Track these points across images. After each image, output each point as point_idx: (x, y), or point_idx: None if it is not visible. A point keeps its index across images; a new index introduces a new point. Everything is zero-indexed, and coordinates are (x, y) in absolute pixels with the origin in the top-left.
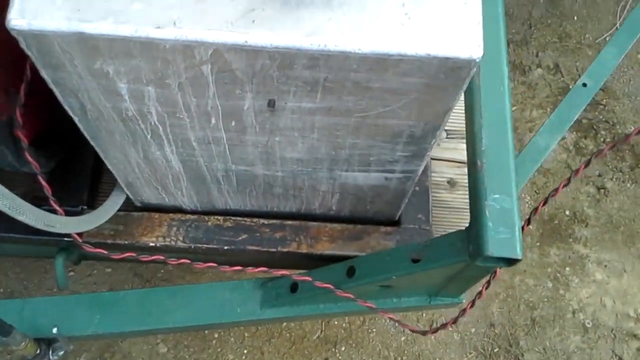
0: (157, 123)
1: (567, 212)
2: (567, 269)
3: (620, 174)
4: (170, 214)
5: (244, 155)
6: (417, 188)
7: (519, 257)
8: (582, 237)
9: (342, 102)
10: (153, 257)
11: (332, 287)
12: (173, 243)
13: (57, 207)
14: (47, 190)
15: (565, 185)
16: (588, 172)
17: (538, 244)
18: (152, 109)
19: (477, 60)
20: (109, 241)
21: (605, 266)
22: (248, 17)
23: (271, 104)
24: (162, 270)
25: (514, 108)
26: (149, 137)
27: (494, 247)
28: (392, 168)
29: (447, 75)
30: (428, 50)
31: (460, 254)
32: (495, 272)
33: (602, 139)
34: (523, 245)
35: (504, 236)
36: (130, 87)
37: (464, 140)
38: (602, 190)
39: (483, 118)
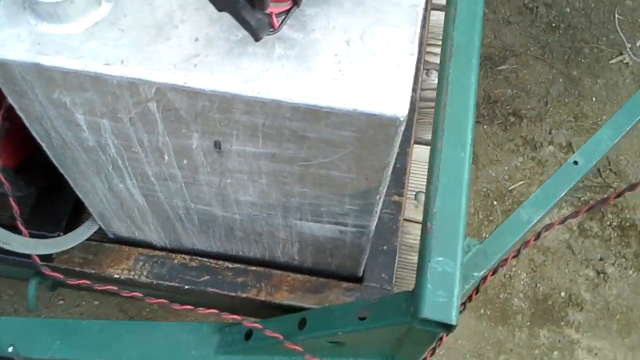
0: (115, 155)
1: (563, 294)
2: (556, 352)
3: (624, 259)
4: (140, 249)
5: (201, 194)
6: (385, 247)
7: (453, 323)
8: (575, 322)
9: (284, 150)
10: (106, 287)
11: (281, 337)
12: (137, 277)
13: (22, 228)
14: (16, 211)
15: (515, 257)
16: (589, 254)
17: (528, 323)
18: (109, 141)
19: (402, 118)
20: (77, 268)
21: (596, 354)
22: (191, 62)
23: (217, 145)
24: (148, 309)
25: (520, 183)
26: (110, 168)
27: (430, 310)
28: (345, 221)
29: (376, 131)
30: (355, 106)
31: (402, 315)
32: (442, 338)
33: (608, 223)
34: (512, 324)
35: (441, 300)
36: (87, 119)
37: None
38: (602, 275)
39: (439, 181)
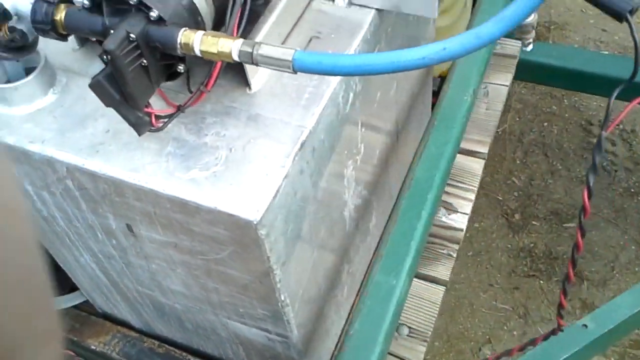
0: (65, 228)
1: None
2: None
3: None
4: (119, 327)
5: (140, 277)
6: None
7: None
8: None
9: (181, 240)
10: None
11: None
12: (109, 353)
13: None
14: None
15: None
16: None
17: None
18: (56, 213)
19: (255, 222)
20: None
21: None
22: (95, 148)
23: (129, 228)
24: None
25: None
26: (67, 240)
27: None
28: (266, 327)
29: (242, 232)
30: (216, 204)
31: None
32: None
33: None
34: None
35: None
36: (33, 190)
37: (425, 343)
38: None
39: (364, 304)
